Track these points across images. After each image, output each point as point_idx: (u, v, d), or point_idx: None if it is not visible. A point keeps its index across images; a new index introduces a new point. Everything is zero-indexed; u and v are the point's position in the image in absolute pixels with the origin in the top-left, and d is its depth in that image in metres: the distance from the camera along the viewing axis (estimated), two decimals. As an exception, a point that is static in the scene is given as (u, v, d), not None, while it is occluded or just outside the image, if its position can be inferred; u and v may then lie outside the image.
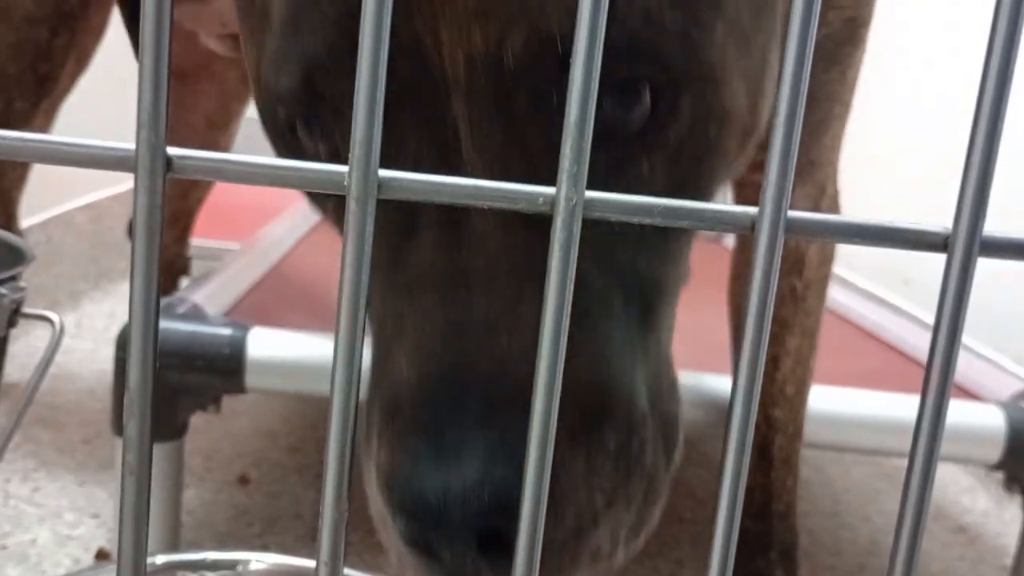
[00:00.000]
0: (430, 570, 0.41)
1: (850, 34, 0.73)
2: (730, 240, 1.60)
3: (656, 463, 0.45)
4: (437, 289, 0.44)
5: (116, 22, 1.19)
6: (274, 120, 0.49)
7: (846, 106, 0.78)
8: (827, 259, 0.87)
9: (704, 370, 0.91)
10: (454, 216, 0.44)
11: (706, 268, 0.87)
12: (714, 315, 0.94)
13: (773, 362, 0.86)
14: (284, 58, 0.46)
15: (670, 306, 0.50)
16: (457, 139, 0.43)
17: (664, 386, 0.48)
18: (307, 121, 0.47)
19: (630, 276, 0.46)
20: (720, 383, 0.90)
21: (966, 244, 0.25)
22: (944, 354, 0.25)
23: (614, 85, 0.43)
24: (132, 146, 0.24)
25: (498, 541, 0.38)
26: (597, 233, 0.39)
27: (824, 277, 0.88)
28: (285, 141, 0.49)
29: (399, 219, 0.46)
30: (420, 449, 0.40)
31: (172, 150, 0.24)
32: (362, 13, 0.24)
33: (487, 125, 0.43)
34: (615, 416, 0.43)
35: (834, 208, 0.86)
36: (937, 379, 0.26)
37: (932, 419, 0.26)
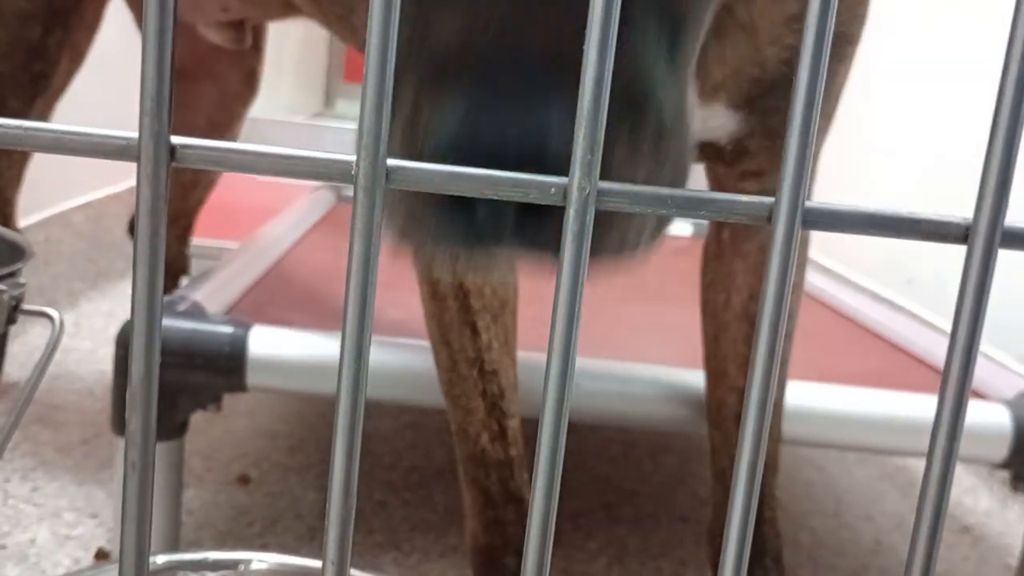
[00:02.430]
0: (453, 224, 0.37)
1: (837, 49, 0.74)
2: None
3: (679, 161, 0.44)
4: None
5: (111, 18, 1.19)
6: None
7: (828, 118, 0.79)
8: (803, 261, 0.87)
9: (690, 367, 0.91)
10: None
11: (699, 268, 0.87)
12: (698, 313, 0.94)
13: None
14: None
15: (694, 41, 0.49)
16: None
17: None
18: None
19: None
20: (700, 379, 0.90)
21: (987, 235, 0.24)
22: (964, 348, 0.25)
23: None
24: (135, 135, 0.24)
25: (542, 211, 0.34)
26: None
27: (802, 280, 0.88)
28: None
29: None
30: (472, 94, 0.36)
31: (176, 139, 0.24)
32: (370, 8, 0.23)
33: None
34: (651, 114, 0.41)
35: None
36: (957, 375, 0.25)
37: (952, 413, 0.25)
